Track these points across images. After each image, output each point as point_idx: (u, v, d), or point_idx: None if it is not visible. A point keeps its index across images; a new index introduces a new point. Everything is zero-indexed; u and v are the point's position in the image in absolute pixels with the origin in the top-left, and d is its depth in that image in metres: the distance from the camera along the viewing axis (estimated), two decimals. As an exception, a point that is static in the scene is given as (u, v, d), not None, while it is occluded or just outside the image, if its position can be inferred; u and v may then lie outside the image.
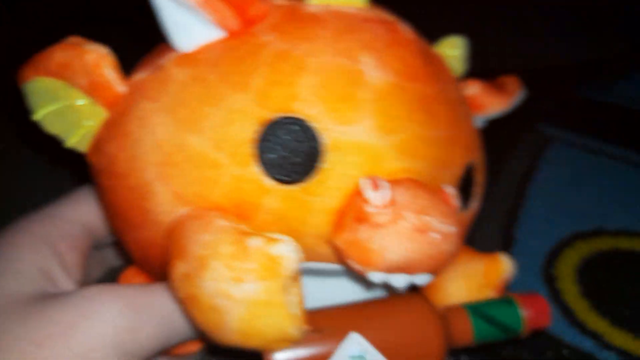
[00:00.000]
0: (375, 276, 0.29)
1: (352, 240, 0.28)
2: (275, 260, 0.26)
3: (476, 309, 0.35)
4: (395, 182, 0.28)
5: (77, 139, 0.33)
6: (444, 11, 1.40)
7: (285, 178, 0.28)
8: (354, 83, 0.29)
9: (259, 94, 0.28)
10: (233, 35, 0.30)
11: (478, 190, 0.36)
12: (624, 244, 0.57)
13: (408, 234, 0.27)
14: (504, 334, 0.34)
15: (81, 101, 0.32)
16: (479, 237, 0.60)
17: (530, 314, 0.35)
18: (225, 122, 0.28)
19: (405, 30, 0.33)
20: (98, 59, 0.31)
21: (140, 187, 0.30)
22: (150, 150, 0.29)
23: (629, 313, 0.50)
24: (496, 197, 0.67)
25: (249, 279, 0.25)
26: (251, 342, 0.28)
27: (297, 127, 0.28)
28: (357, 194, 0.28)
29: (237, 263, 0.25)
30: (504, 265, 0.37)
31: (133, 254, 0.36)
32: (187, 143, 0.28)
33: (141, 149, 0.30)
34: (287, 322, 0.26)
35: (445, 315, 0.34)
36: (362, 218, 0.28)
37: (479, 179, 0.36)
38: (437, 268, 0.29)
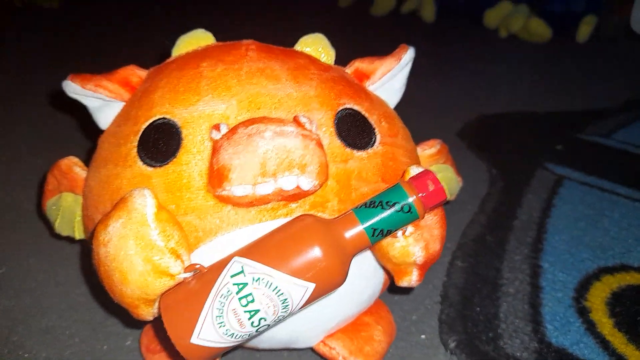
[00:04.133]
0: (239, 190, 0.36)
1: (214, 172, 0.37)
2: (129, 203, 0.36)
3: (361, 204, 0.36)
4: (240, 123, 0.38)
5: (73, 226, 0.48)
6: (466, 56, 1.46)
7: (155, 163, 0.40)
8: (193, 80, 0.42)
9: (137, 118, 0.43)
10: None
11: (382, 130, 0.45)
12: (651, 279, 0.58)
13: (240, 140, 0.36)
14: (396, 214, 0.35)
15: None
16: (507, 267, 0.60)
17: (414, 182, 0.36)
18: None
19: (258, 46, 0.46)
20: (69, 163, 0.48)
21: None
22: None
23: (665, 348, 0.49)
24: (517, 229, 0.67)
25: (110, 221, 0.36)
26: (135, 280, 0.35)
27: (156, 124, 0.41)
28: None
29: (109, 217, 0.36)
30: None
31: None
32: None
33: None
34: (154, 251, 0.35)
35: (330, 221, 0.36)
36: (212, 153, 0.37)
37: (378, 121, 0.45)
38: (289, 160, 0.36)
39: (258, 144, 0.36)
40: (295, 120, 0.39)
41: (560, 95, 1.15)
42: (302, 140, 0.37)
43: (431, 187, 0.36)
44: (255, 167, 0.36)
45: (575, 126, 0.98)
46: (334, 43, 0.49)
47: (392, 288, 0.51)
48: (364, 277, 0.44)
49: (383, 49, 0.50)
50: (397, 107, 0.52)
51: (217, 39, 0.48)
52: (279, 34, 0.50)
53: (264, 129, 0.37)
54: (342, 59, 0.50)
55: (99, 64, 0.55)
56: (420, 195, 0.36)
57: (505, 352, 0.48)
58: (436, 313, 0.54)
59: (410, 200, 0.35)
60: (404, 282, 0.41)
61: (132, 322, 0.53)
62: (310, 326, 0.44)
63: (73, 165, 0.49)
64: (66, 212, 0.48)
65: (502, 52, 1.49)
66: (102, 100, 0.46)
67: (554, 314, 0.53)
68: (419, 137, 0.53)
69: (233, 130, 0.37)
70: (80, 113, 0.49)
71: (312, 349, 0.47)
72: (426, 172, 0.37)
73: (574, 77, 1.29)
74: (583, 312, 0.53)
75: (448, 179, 0.55)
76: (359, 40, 1.49)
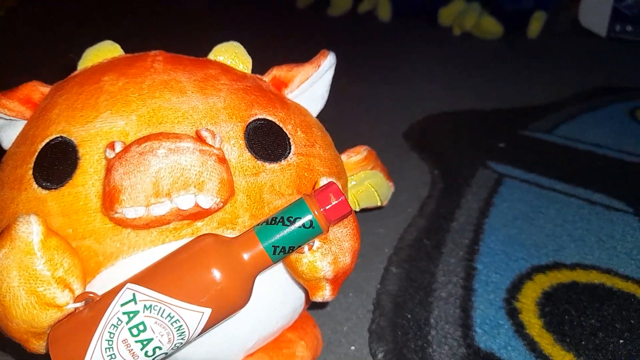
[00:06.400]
0: (131, 212, 0.34)
1: (105, 193, 0.35)
2: (13, 231, 0.33)
3: (263, 221, 0.35)
4: (135, 140, 0.35)
5: None
6: (420, 54, 1.46)
7: (51, 185, 0.37)
8: (92, 95, 0.40)
9: (34, 137, 0.40)
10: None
11: (298, 140, 0.43)
12: (582, 277, 0.58)
13: (131, 159, 0.34)
14: (298, 230, 0.34)
15: None
16: (441, 270, 0.59)
17: (317, 196, 0.35)
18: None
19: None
20: None
21: None
22: None
23: (592, 346, 0.49)
24: (454, 232, 0.66)
25: None
26: (20, 314, 0.33)
27: (52, 143, 0.38)
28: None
29: None
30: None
31: None
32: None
33: None
34: (39, 282, 0.33)
35: (229, 241, 0.35)
36: (105, 173, 0.35)
37: (294, 131, 0.43)
38: (184, 178, 0.34)
39: (150, 162, 0.34)
40: (197, 135, 0.38)
41: (509, 92, 1.16)
42: (199, 156, 0.36)
43: (334, 201, 0.35)
44: (148, 188, 0.34)
45: (520, 123, 0.99)
46: (292, 44, 0.47)
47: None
48: (282, 293, 0.43)
49: (338, 49, 0.48)
50: (344, 108, 0.51)
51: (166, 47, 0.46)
52: (235, 37, 0.48)
53: (158, 146, 0.35)
54: (300, 60, 0.48)
55: (9, 80, 0.52)
56: (322, 209, 0.35)
57: (433, 359, 0.48)
58: (368, 322, 0.53)
59: (311, 215, 0.34)
60: (317, 298, 0.40)
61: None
62: (228, 345, 0.43)
63: None
64: None
65: (455, 50, 1.50)
66: (3, 120, 0.44)
67: (485, 317, 0.52)
68: (361, 140, 0.52)
69: (126, 149, 0.35)
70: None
71: (232, 369, 0.46)
72: (329, 185, 0.36)
73: (524, 73, 1.30)
74: (513, 314, 0.53)
75: (378, 185, 0.54)
76: (317, 40, 1.48)
